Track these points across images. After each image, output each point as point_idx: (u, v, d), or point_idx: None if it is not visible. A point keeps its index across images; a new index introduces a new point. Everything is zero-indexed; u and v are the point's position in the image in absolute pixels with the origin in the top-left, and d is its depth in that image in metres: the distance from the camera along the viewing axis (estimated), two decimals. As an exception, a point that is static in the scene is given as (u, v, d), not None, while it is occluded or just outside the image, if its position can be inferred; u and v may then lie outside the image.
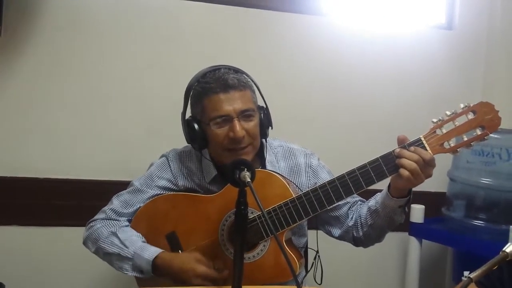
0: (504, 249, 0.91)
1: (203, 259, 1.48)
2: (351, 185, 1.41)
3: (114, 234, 1.56)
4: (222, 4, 2.27)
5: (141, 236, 1.57)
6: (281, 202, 1.45)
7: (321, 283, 1.57)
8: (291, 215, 1.45)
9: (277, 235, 1.22)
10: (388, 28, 2.45)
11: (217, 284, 1.46)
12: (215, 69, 1.54)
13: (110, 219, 1.61)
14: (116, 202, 1.63)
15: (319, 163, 1.67)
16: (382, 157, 1.39)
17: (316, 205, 1.44)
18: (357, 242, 1.64)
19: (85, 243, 1.63)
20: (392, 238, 2.42)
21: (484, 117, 1.33)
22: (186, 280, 1.46)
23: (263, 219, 1.45)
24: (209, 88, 1.50)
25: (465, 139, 1.35)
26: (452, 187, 2.34)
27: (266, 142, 1.62)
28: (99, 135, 2.17)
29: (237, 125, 1.48)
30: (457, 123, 1.35)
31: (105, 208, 1.64)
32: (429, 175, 1.38)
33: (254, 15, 2.30)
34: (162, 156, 1.69)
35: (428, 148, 1.37)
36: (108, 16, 2.15)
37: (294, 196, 1.46)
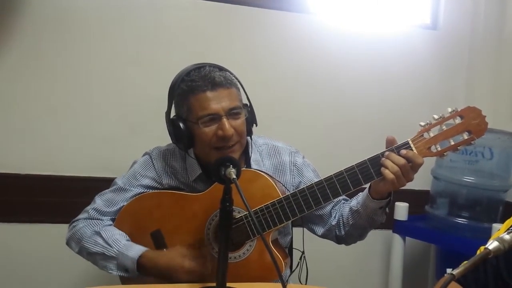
0: (486, 246, 0.91)
1: (188, 253, 1.47)
2: (338, 186, 1.42)
3: (98, 233, 1.54)
4: (208, 1, 2.25)
5: (124, 234, 1.56)
6: (268, 203, 1.45)
7: (306, 283, 1.57)
8: (278, 216, 1.45)
9: (263, 235, 1.22)
10: (374, 27, 2.47)
11: (205, 277, 1.45)
12: (200, 67, 1.51)
13: (93, 219, 1.59)
14: (99, 201, 1.61)
15: (304, 161, 1.66)
16: (370, 159, 1.40)
17: (303, 206, 1.44)
18: (339, 240, 1.65)
19: (68, 243, 1.61)
20: (376, 236, 2.45)
21: (471, 121, 1.35)
22: (174, 277, 1.45)
23: (249, 219, 1.45)
24: (195, 86, 1.47)
25: (452, 143, 1.37)
26: (435, 185, 2.36)
27: (251, 139, 1.61)
28: (83, 131, 2.15)
29: (226, 123, 1.46)
30: (444, 127, 1.36)
31: (88, 207, 1.62)
32: (411, 179, 1.40)
33: (239, 12, 2.29)
34: (145, 154, 1.66)
35: (415, 151, 1.38)
36: (92, 13, 2.12)
37: (281, 196, 1.46)
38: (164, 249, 1.54)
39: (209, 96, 1.47)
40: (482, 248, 0.92)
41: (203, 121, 1.48)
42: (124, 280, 1.57)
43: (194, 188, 1.59)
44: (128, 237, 1.56)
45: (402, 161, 1.36)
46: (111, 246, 1.51)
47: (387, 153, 1.38)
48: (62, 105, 2.13)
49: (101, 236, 1.53)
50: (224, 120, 1.47)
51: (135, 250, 1.49)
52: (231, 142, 1.49)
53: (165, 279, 1.46)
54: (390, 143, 1.40)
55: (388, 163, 1.37)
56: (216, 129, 1.48)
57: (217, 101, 1.47)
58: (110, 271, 1.52)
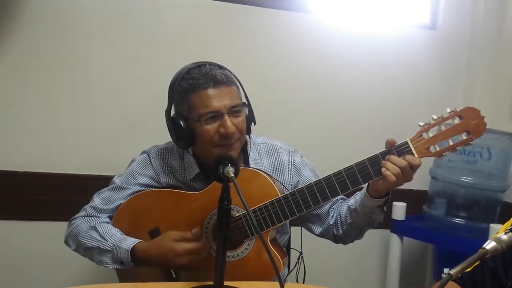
0: (484, 246, 0.92)
1: (179, 235, 1.46)
2: (337, 186, 1.42)
3: (94, 228, 1.54)
4: (208, -1, 2.26)
5: (120, 231, 1.55)
6: (267, 202, 1.46)
7: (304, 282, 1.58)
8: (277, 215, 1.45)
9: (262, 234, 1.22)
10: (373, 26, 2.47)
11: (201, 255, 1.45)
12: (200, 65, 1.52)
13: (91, 216, 1.59)
14: (96, 200, 1.61)
15: (302, 160, 1.67)
16: (369, 159, 1.40)
17: (302, 206, 1.45)
18: (337, 239, 1.65)
19: (66, 241, 1.62)
20: (374, 235, 2.45)
21: (470, 122, 1.35)
22: (168, 263, 1.45)
23: (248, 217, 1.45)
24: (196, 84, 1.48)
25: (451, 143, 1.37)
26: (433, 185, 2.36)
27: (250, 138, 1.62)
28: (81, 129, 2.15)
29: (228, 121, 1.47)
30: (443, 127, 1.37)
31: (86, 206, 1.62)
32: (410, 179, 1.41)
33: (238, 11, 2.29)
34: (143, 152, 1.67)
35: (414, 151, 1.38)
36: (91, 11, 2.12)
37: (280, 195, 1.46)
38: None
39: (210, 93, 1.47)
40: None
41: (204, 118, 1.48)
42: (121, 277, 1.57)
43: (192, 186, 1.59)
44: (123, 233, 1.55)
45: (403, 163, 1.37)
46: (106, 240, 1.51)
47: (387, 156, 1.39)
48: (61, 104, 2.13)
49: (97, 231, 1.53)
50: (226, 117, 1.47)
51: (129, 242, 1.49)
52: (232, 140, 1.49)
53: (161, 267, 1.46)
54: (389, 145, 1.41)
55: (389, 165, 1.37)
56: (217, 127, 1.48)
57: (218, 98, 1.47)
58: (106, 265, 1.52)
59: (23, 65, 2.08)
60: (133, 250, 1.47)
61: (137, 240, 1.49)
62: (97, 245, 1.52)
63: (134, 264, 1.48)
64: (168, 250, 1.45)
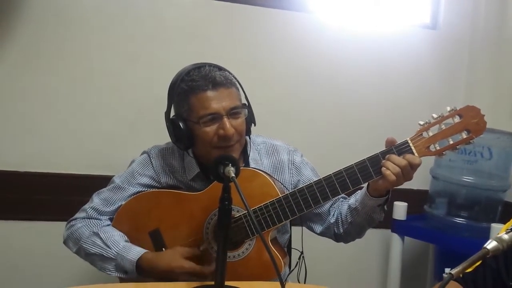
0: (485, 245, 0.92)
1: (188, 253, 1.48)
2: (337, 186, 1.42)
3: (96, 234, 1.53)
4: (208, -1, 2.26)
5: (123, 235, 1.55)
6: (268, 202, 1.45)
7: (305, 282, 1.57)
8: (277, 215, 1.45)
9: (262, 234, 1.22)
10: (373, 26, 2.47)
11: (205, 277, 1.45)
12: (199, 67, 1.52)
13: (91, 218, 1.58)
14: (96, 200, 1.61)
15: (302, 159, 1.67)
16: (369, 158, 1.40)
17: (303, 205, 1.45)
18: (338, 238, 1.65)
19: (65, 242, 1.61)
20: (375, 235, 2.45)
21: (470, 121, 1.35)
22: (174, 278, 1.45)
23: (248, 218, 1.45)
24: (196, 86, 1.48)
25: (451, 142, 1.37)
26: (434, 185, 2.36)
27: (249, 139, 1.62)
28: (81, 129, 2.15)
29: (227, 123, 1.47)
30: (443, 126, 1.36)
31: (86, 206, 1.61)
32: (410, 178, 1.40)
33: (239, 10, 2.29)
34: (144, 152, 1.66)
35: (414, 151, 1.38)
36: (91, 10, 2.12)
37: (280, 195, 1.46)
38: (163, 249, 1.53)
39: (210, 95, 1.47)
40: None
41: (204, 120, 1.48)
42: (122, 278, 1.57)
43: (192, 187, 1.59)
44: (126, 238, 1.55)
45: (403, 162, 1.37)
46: (109, 248, 1.50)
47: (387, 155, 1.39)
48: (61, 103, 2.13)
49: (100, 237, 1.52)
50: (225, 119, 1.47)
51: (134, 252, 1.48)
52: (231, 141, 1.49)
53: (165, 280, 1.46)
54: (389, 144, 1.41)
55: (389, 164, 1.37)
56: (217, 129, 1.48)
57: (218, 100, 1.47)
58: (108, 273, 1.51)
59: (23, 65, 2.08)
60: (139, 260, 1.47)
61: (143, 250, 1.49)
62: (100, 252, 1.51)
63: (138, 274, 1.48)
64: (177, 266, 1.45)
